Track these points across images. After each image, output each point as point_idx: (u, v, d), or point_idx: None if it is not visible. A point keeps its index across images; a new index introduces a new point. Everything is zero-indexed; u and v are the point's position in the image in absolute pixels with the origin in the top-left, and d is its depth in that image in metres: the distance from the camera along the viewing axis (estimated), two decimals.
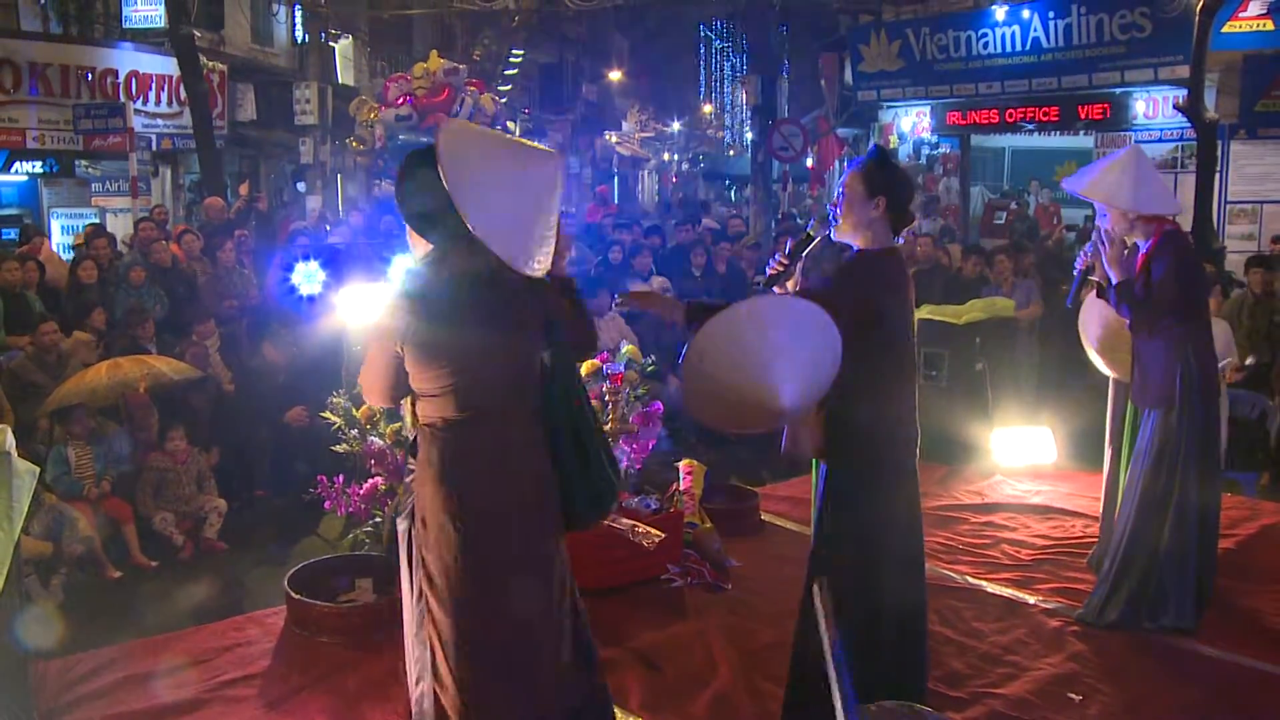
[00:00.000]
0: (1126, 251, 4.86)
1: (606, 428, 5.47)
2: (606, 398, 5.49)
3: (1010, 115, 16.98)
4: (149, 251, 9.58)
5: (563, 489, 3.11)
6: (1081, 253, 5.06)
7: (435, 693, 3.02)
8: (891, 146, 19.73)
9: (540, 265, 2.93)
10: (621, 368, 5.53)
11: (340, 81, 24.15)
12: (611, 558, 5.12)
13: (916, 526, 3.77)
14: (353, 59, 25.48)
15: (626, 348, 5.81)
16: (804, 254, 3.77)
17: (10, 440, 3.69)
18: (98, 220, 14.25)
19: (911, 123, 19.16)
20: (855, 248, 3.69)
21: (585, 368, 5.80)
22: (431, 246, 3.05)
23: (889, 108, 19.39)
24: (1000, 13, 16.10)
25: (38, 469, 3.81)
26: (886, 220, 3.63)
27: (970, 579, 5.57)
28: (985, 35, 16.47)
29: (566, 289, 3.14)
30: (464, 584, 2.96)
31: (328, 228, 12.15)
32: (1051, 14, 15.55)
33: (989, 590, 5.39)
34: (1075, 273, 5.12)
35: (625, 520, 5.10)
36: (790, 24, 24.36)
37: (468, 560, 2.95)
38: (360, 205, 15.13)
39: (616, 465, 3.26)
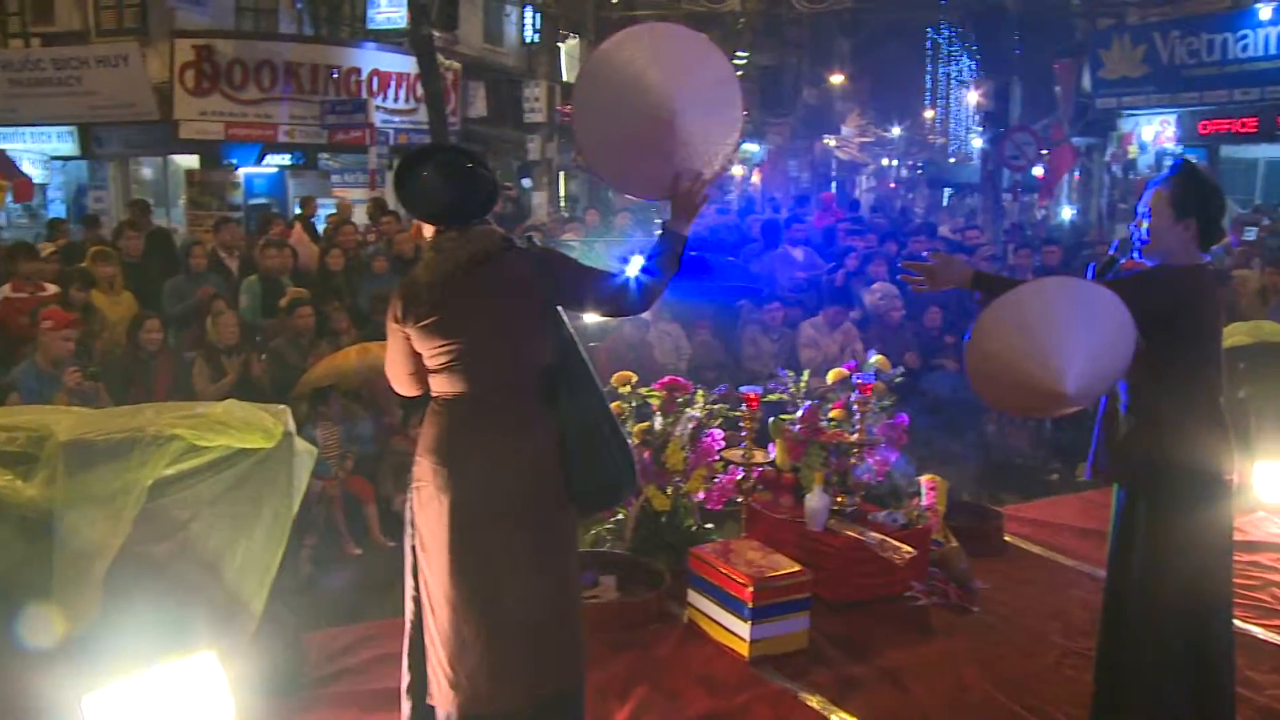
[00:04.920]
0: None
1: (852, 438, 5.32)
2: (854, 408, 5.33)
3: (1270, 124, 15.89)
4: (392, 242, 9.91)
5: (568, 472, 3.16)
6: None
7: (424, 643, 3.21)
8: (1130, 157, 18.84)
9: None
10: (871, 378, 5.36)
11: (565, 80, 24.70)
12: (859, 571, 4.97)
13: (1225, 562, 3.54)
14: (578, 58, 26.02)
15: (875, 357, 5.63)
16: (1108, 276, 3.62)
17: (290, 421, 3.82)
18: (337, 210, 14.91)
19: (1154, 132, 18.20)
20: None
21: (831, 376, 5.66)
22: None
23: (1129, 115, 18.52)
24: (1266, 11, 15.06)
25: (315, 449, 3.94)
26: (1196, 240, 3.44)
27: (1239, 622, 5.15)
28: (1245, 37, 15.48)
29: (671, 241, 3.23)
30: (449, 552, 3.08)
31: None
32: None
33: (1260, 637, 4.97)
34: None
35: (874, 534, 4.94)
36: (1024, 29, 23.54)
37: (454, 530, 3.08)
38: (584, 202, 15.36)
39: (629, 454, 3.30)
